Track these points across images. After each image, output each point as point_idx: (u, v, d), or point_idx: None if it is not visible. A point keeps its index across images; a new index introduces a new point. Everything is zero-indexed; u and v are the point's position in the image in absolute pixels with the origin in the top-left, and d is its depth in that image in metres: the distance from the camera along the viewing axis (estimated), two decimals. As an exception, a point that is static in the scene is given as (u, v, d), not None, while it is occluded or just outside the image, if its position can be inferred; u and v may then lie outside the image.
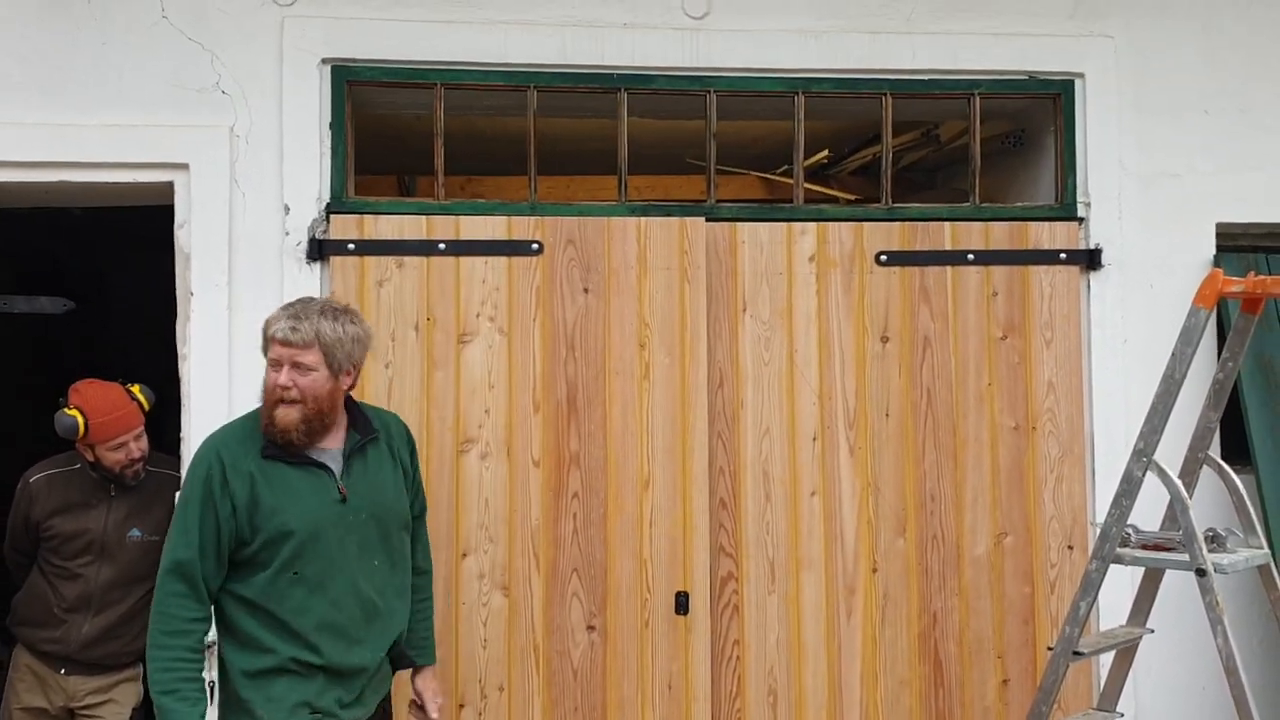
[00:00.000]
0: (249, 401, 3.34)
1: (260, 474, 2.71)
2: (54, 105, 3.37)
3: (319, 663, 2.70)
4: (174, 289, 3.45)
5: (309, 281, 3.41)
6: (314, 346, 2.71)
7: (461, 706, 3.34)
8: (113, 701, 3.55)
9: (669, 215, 3.56)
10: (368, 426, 2.86)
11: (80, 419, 3.36)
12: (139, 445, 3.47)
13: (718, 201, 3.66)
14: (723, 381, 3.55)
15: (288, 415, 2.70)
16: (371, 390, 3.37)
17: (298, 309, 2.77)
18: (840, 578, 3.55)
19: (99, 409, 3.40)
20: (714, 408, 3.53)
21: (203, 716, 2.66)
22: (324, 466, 2.76)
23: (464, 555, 3.38)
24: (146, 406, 3.51)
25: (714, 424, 3.52)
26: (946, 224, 3.65)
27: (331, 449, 2.78)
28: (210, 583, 2.68)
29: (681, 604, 3.41)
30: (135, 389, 3.49)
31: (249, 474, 2.70)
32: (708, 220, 3.55)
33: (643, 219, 3.52)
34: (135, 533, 3.50)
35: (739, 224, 3.58)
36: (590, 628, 3.40)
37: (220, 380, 3.37)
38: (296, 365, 2.70)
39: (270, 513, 2.68)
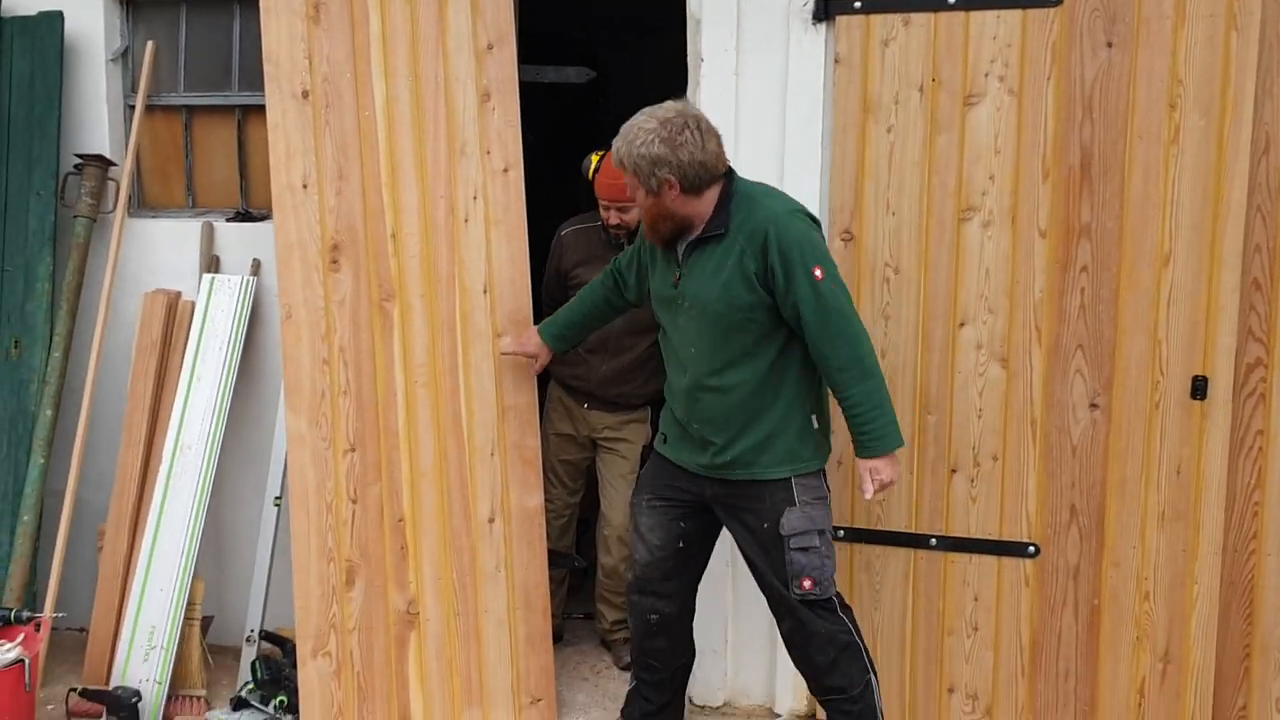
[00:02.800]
0: (759, 164, 3.45)
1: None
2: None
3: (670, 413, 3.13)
4: (664, 73, 3.55)
5: (813, 43, 3.39)
6: (626, 171, 2.86)
7: (954, 471, 3.37)
8: (625, 440, 3.96)
9: (1219, -46, 3.12)
10: (715, 224, 2.87)
11: (595, 162, 3.70)
12: (621, 216, 3.69)
13: (1281, -66, 3.15)
14: (1269, 147, 3.14)
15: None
16: (872, 155, 3.35)
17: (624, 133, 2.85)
18: (1397, 374, 3.13)
19: (605, 171, 3.65)
20: (1255, 178, 3.14)
21: None
22: (674, 254, 2.97)
23: (961, 325, 3.34)
24: None
25: (1253, 196, 3.14)
26: None
27: (690, 239, 2.92)
28: None
29: (1198, 388, 3.18)
30: None
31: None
32: (1269, -43, 3.08)
33: (1186, -41, 3.12)
34: None
35: (1309, -40, 3.08)
36: (1093, 405, 3.27)
37: (728, 144, 3.47)
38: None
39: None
